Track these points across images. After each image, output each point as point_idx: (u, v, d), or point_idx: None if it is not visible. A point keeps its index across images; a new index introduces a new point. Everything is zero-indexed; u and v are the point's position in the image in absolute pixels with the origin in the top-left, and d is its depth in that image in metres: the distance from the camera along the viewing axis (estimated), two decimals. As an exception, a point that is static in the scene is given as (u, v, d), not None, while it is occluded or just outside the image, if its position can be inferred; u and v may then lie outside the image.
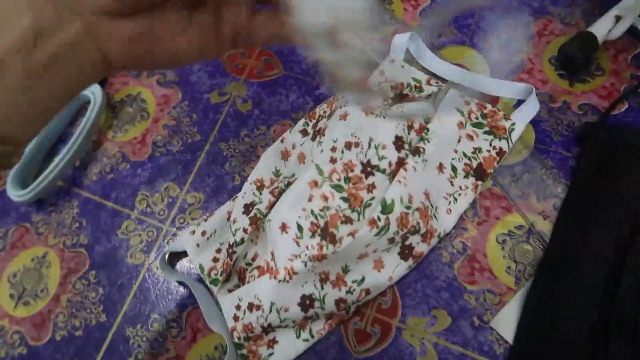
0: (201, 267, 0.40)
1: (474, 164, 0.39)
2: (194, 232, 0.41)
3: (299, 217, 0.35)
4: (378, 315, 0.37)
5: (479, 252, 0.38)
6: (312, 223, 0.35)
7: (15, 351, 0.41)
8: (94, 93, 0.48)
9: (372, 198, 0.35)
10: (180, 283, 0.41)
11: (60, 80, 0.22)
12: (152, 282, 0.41)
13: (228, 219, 0.41)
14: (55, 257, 0.44)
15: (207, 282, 0.39)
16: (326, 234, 0.34)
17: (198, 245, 0.40)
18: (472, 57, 0.45)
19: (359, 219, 0.35)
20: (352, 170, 0.36)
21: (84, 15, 0.21)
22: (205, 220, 0.41)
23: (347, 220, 0.34)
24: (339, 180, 0.36)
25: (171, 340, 0.39)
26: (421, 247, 0.37)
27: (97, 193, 0.46)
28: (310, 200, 0.36)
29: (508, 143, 0.39)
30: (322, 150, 0.38)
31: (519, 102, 0.42)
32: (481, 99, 0.43)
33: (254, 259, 0.39)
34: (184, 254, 0.42)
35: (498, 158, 0.39)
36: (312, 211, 0.35)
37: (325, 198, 0.35)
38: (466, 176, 0.39)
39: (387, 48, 0.46)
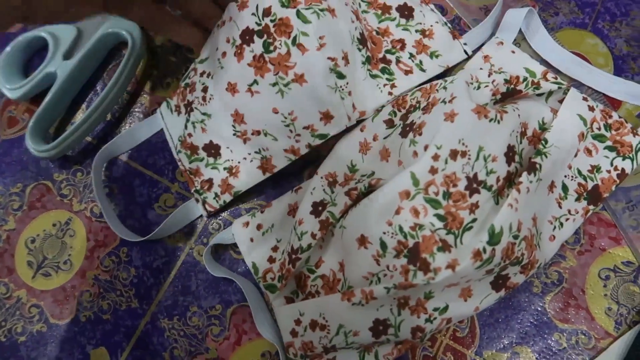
0: (255, 267, 0.34)
1: (589, 185, 0.33)
2: (247, 223, 0.35)
3: (384, 232, 0.30)
4: (452, 343, 0.33)
5: (577, 286, 0.33)
6: (398, 242, 0.29)
7: (34, 327, 0.37)
8: (131, 34, 0.40)
9: (474, 220, 0.29)
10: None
11: None
12: (194, 269, 0.36)
13: (288, 213, 0.35)
14: (81, 226, 0.38)
15: (261, 286, 0.34)
16: (416, 258, 0.29)
17: (252, 240, 0.35)
18: (593, 45, 0.37)
19: (455, 244, 0.29)
20: (454, 185, 0.29)
21: None
22: (262, 212, 0.35)
23: (445, 247, 0.29)
24: (436, 194, 0.30)
25: (212, 339, 0.35)
26: (517, 279, 0.32)
27: (132, 157, 0.39)
28: (398, 212, 0.30)
29: (633, 164, 0.33)
30: (416, 153, 0.31)
31: (646, 112, 0.35)
32: (599, 100, 0.36)
33: (317, 266, 0.34)
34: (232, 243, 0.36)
35: (618, 181, 0.33)
36: (400, 228, 0.29)
37: (417, 213, 0.30)
38: (578, 199, 0.33)
39: (480, 18, 0.38)
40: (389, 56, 0.36)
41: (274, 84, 0.32)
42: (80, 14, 0.32)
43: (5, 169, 0.40)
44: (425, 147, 0.31)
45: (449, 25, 0.37)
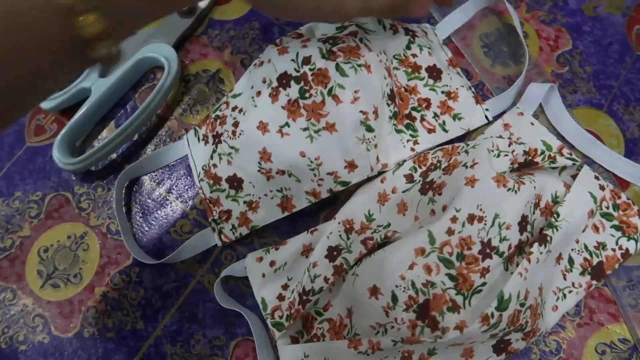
0: (264, 303, 0.35)
1: (594, 261, 0.34)
2: (261, 259, 0.36)
3: (397, 285, 0.31)
4: (448, 400, 0.34)
5: (574, 357, 0.34)
6: (409, 296, 0.30)
7: (36, 337, 0.37)
8: (168, 59, 0.41)
9: (484, 284, 0.31)
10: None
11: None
12: (202, 298, 0.37)
13: (302, 253, 0.36)
14: (95, 241, 0.39)
15: (269, 322, 0.34)
16: (425, 315, 0.30)
17: (264, 275, 0.36)
18: (606, 126, 0.39)
19: (464, 305, 0.30)
20: (469, 248, 0.31)
21: None
22: (277, 249, 0.36)
23: (454, 308, 0.30)
24: (450, 254, 0.31)
25: (213, 369, 0.35)
26: (519, 345, 0.33)
27: (154, 179, 0.40)
28: (411, 267, 0.31)
29: (637, 245, 0.34)
30: (434, 211, 0.32)
31: (652, 195, 0.37)
32: (609, 180, 0.37)
33: (325, 309, 0.34)
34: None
35: (621, 260, 0.34)
36: (412, 283, 0.30)
37: (429, 270, 0.31)
38: (582, 273, 0.34)
39: (503, 86, 0.40)
40: (414, 113, 0.37)
41: (305, 129, 0.33)
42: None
43: (27, 175, 0.41)
44: (444, 208, 0.32)
45: (473, 90, 0.39)
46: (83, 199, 0.40)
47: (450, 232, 0.31)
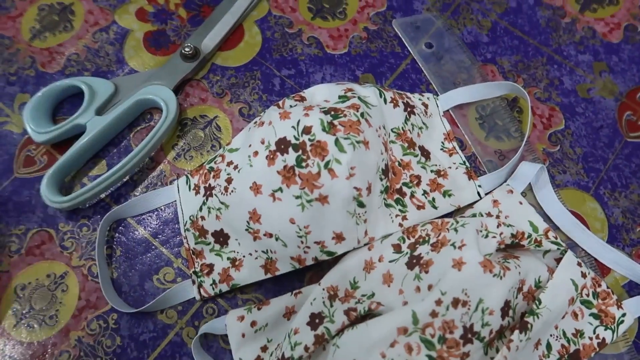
0: (242, 364, 0.35)
1: (572, 348, 0.35)
2: (242, 318, 0.36)
3: (377, 363, 0.31)
4: None
5: None
6: (389, 375, 0.30)
7: (3, 379, 0.36)
8: (167, 103, 0.41)
9: (463, 368, 0.31)
10: (211, 366, 0.36)
11: None
12: (179, 351, 0.36)
13: (284, 315, 0.36)
14: (75, 283, 0.38)
15: (245, 385, 0.34)
16: (403, 397, 0.30)
17: (243, 335, 0.35)
18: (592, 209, 0.40)
19: (442, 389, 0.30)
20: (451, 332, 0.31)
21: None
22: (259, 309, 0.36)
23: (433, 392, 0.30)
24: (432, 336, 0.31)
25: None
26: None
27: (141, 223, 0.40)
28: (392, 346, 0.31)
29: (613, 335, 0.35)
30: (419, 288, 0.33)
31: (631, 283, 0.38)
32: (590, 264, 0.38)
33: (303, 376, 0.34)
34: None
35: (598, 349, 0.35)
36: (392, 362, 0.31)
37: (410, 349, 0.31)
38: (559, 359, 0.35)
39: (494, 160, 0.41)
40: (405, 189, 0.38)
41: (298, 197, 0.33)
42: None
43: (12, 207, 0.40)
44: (429, 287, 0.33)
45: (467, 164, 0.40)
46: (67, 237, 0.39)
47: (434, 314, 0.31)
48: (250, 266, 0.36)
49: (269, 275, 0.36)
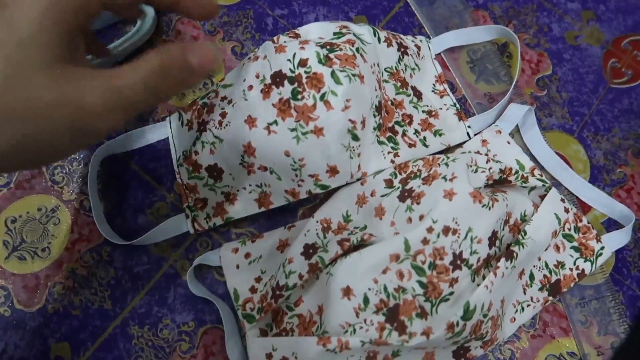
0: (236, 294, 0.35)
1: (553, 278, 0.36)
2: (236, 250, 0.36)
3: (369, 288, 0.32)
4: (404, 398, 0.35)
5: (524, 366, 0.36)
6: (380, 300, 0.32)
7: (-4, 309, 0.36)
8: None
9: (451, 293, 0.32)
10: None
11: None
12: (174, 282, 0.37)
13: (277, 248, 0.37)
14: (67, 216, 0.38)
15: (239, 314, 0.35)
16: (394, 319, 0.31)
17: (238, 267, 0.36)
18: (575, 151, 0.41)
19: (431, 313, 0.32)
20: (441, 259, 0.32)
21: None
22: (253, 242, 0.37)
23: (422, 314, 0.31)
24: (423, 263, 0.32)
25: (179, 354, 0.35)
26: (477, 352, 0.34)
27: (134, 158, 0.40)
28: (384, 272, 0.32)
29: (592, 267, 0.37)
30: (410, 219, 0.34)
31: (610, 220, 0.40)
32: (572, 202, 0.40)
33: (296, 305, 0.35)
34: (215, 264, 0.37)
35: (577, 279, 0.37)
36: (385, 287, 0.32)
37: (401, 275, 0.32)
38: (541, 289, 0.36)
39: (483, 102, 0.41)
40: (397, 127, 0.38)
41: (293, 129, 0.33)
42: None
43: (-1, 142, 0.40)
44: (421, 217, 0.34)
45: (457, 106, 0.40)
46: (57, 172, 0.39)
47: (425, 241, 0.32)
48: (245, 200, 0.37)
49: (263, 209, 0.36)
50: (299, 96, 0.33)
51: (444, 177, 0.34)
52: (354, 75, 0.33)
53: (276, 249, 0.37)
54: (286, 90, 0.33)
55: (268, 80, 0.34)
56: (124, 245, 0.37)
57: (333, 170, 0.35)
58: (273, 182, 0.36)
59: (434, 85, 0.41)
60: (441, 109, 0.40)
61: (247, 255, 0.36)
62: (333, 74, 0.33)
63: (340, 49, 0.34)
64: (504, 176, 0.36)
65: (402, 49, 0.40)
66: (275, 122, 0.33)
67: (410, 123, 0.39)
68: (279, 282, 0.34)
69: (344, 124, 0.33)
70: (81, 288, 0.37)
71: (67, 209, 0.38)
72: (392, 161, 0.37)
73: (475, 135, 0.40)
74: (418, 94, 0.40)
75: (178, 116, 0.39)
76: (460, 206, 0.33)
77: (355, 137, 0.34)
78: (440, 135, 0.39)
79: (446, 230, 0.32)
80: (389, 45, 0.39)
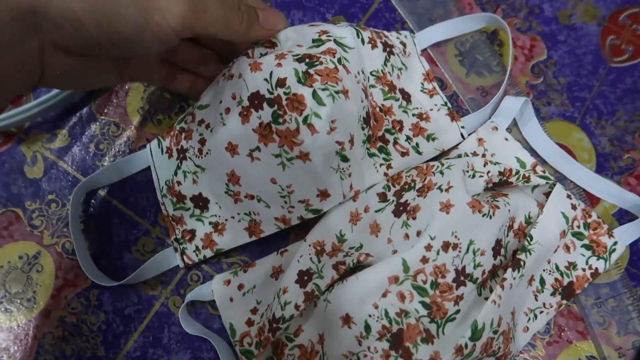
0: (232, 329, 0.34)
1: (565, 281, 0.34)
2: (228, 282, 0.35)
3: (370, 315, 0.30)
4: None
5: (542, 376, 0.34)
6: (383, 326, 0.30)
7: (-14, 366, 0.35)
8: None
9: (457, 311, 0.30)
10: (201, 333, 0.35)
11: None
12: (167, 321, 0.35)
13: (271, 276, 0.35)
14: (50, 262, 0.36)
15: (237, 350, 0.33)
16: (399, 345, 0.29)
17: (231, 299, 0.34)
18: (579, 140, 0.39)
19: (437, 334, 0.30)
20: (443, 276, 0.30)
21: (41, 42, 0.26)
22: (245, 271, 0.35)
23: (428, 338, 0.29)
24: (424, 282, 0.30)
25: (179, 396, 0.34)
26: (490, 367, 0.33)
27: (113, 193, 0.38)
28: (384, 295, 0.30)
29: (605, 265, 0.34)
30: (407, 235, 0.32)
31: (621, 211, 0.37)
32: (579, 195, 0.37)
33: (296, 335, 0.33)
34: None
35: (591, 279, 0.34)
36: (386, 312, 0.30)
37: (403, 297, 0.30)
38: (553, 293, 0.34)
39: (477, 97, 0.39)
40: (387, 135, 0.36)
41: (277, 155, 0.31)
42: (93, 83, 0.33)
43: (-28, 190, 0.38)
44: (418, 233, 0.31)
45: (449, 105, 0.38)
46: (35, 216, 0.37)
47: (424, 260, 0.30)
48: (234, 230, 0.35)
49: (253, 238, 0.35)
50: (280, 119, 0.30)
51: (440, 188, 0.32)
52: (337, 92, 0.30)
53: (270, 276, 0.35)
54: (266, 113, 0.30)
55: (246, 103, 0.31)
56: (113, 287, 0.35)
57: (324, 194, 0.32)
58: (262, 210, 0.34)
59: (422, 84, 0.39)
60: (432, 110, 0.38)
61: (241, 287, 0.35)
62: (315, 94, 0.30)
63: (321, 62, 0.31)
64: (504, 178, 0.34)
65: (387, 49, 0.37)
66: (258, 148, 0.31)
67: (401, 129, 0.36)
68: (275, 314, 0.32)
69: (331, 147, 0.31)
70: (72, 336, 0.35)
71: (50, 254, 0.37)
72: (385, 174, 0.35)
73: (470, 134, 0.38)
74: (407, 97, 0.37)
75: (157, 143, 0.37)
76: (459, 218, 0.31)
77: (345, 158, 0.32)
78: (433, 139, 0.37)
79: (446, 245, 0.30)
80: (374, 46, 0.36)
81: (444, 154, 0.37)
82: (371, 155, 0.34)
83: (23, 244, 0.37)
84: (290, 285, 0.32)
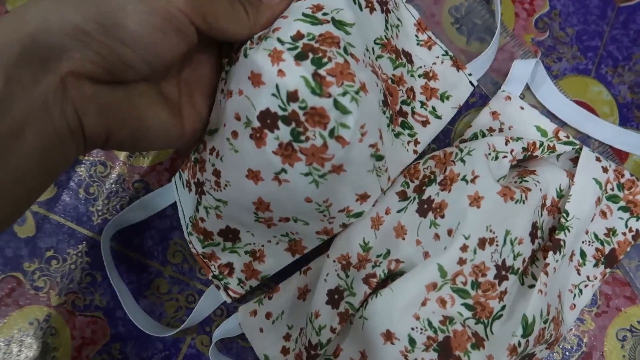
0: (268, 360, 0.32)
1: (606, 249, 0.32)
2: (255, 312, 0.33)
3: (412, 328, 0.28)
4: (477, 418, 0.32)
5: (597, 350, 0.33)
6: (428, 337, 0.28)
7: None
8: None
9: (503, 307, 0.28)
10: (236, 369, 0.33)
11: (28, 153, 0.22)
12: (198, 363, 0.33)
13: (299, 297, 0.33)
14: (62, 323, 0.34)
15: (278, 382, 0.32)
16: (449, 354, 0.27)
17: (262, 330, 0.32)
18: (597, 93, 0.36)
19: (486, 335, 0.28)
20: (483, 275, 0.28)
21: (59, 74, 0.22)
22: (270, 298, 0.33)
23: (478, 342, 0.27)
24: (464, 284, 0.28)
25: None
26: (543, 354, 0.31)
27: (114, 239, 0.35)
28: (424, 304, 0.28)
29: (646, 224, 0.33)
30: (438, 236, 0.29)
31: (652, 163, 0.35)
32: (606, 153, 0.35)
33: (335, 355, 0.32)
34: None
35: (633, 242, 0.32)
36: (429, 322, 0.28)
37: (444, 303, 0.28)
38: (595, 264, 0.32)
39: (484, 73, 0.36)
40: (404, 107, 0.33)
41: (307, 174, 0.27)
42: (153, 127, 0.27)
43: (-36, 260, 0.35)
44: (450, 232, 0.29)
45: (450, 53, 0.35)
46: (37, 277, 0.35)
47: (461, 262, 0.28)
48: (274, 253, 0.32)
49: (297, 256, 0.32)
50: (302, 137, 0.26)
51: (464, 179, 0.29)
52: (357, 92, 0.26)
53: (297, 298, 0.33)
54: (283, 132, 0.26)
55: (256, 124, 0.26)
56: (134, 338, 0.33)
57: (363, 197, 0.30)
58: (300, 229, 0.31)
59: (416, 36, 0.35)
60: (435, 64, 0.34)
61: (268, 315, 0.33)
62: (336, 103, 0.25)
63: (330, 59, 0.26)
64: (529, 153, 0.32)
65: (384, 7, 0.33)
66: (284, 170, 0.27)
67: (414, 97, 0.33)
68: (311, 341, 0.30)
69: (366, 153, 0.27)
70: (102, 395, 0.33)
71: (61, 315, 0.34)
72: (415, 151, 0.33)
73: (481, 99, 0.35)
74: (409, 57, 0.34)
75: (179, 176, 0.34)
76: (491, 211, 0.28)
77: (380, 158, 0.28)
78: (447, 98, 0.34)
79: (482, 243, 0.28)
80: (372, 10, 0.31)
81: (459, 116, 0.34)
82: (397, 135, 0.32)
83: (30, 309, 0.34)
84: (321, 307, 0.30)
